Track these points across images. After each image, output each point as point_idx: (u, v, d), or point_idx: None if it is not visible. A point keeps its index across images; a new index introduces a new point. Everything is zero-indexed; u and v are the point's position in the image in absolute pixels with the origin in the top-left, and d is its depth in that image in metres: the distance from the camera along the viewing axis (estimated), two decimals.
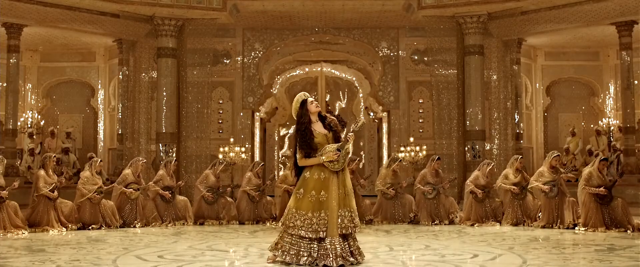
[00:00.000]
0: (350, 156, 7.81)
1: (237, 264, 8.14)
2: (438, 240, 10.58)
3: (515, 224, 13.06)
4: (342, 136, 7.63)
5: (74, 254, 8.78)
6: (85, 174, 13.22)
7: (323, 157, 7.42)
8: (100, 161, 14.05)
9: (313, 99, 7.64)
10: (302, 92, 7.85)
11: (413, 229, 12.47)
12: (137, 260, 8.34)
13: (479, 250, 9.15)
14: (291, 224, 7.46)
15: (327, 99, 23.03)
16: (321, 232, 7.37)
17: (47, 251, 9.25)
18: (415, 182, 14.21)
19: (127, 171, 13.67)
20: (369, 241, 10.29)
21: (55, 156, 13.84)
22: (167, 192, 13.73)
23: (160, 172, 14.05)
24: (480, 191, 13.50)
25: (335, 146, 7.44)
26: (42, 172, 12.59)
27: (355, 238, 7.71)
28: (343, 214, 7.45)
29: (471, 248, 9.39)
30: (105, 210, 12.94)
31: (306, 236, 7.38)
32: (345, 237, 7.50)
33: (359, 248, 7.73)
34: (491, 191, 13.72)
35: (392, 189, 13.95)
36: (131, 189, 13.41)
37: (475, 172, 13.92)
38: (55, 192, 12.58)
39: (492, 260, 8.24)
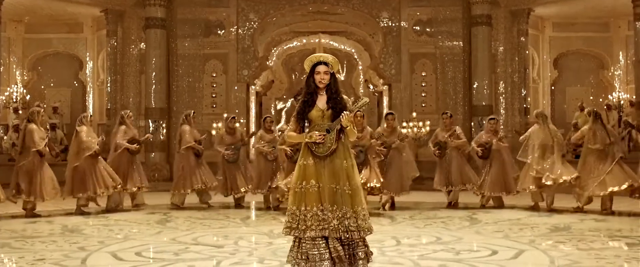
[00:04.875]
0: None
1: (224, 264, 7.10)
2: (449, 230, 9.58)
3: None
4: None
5: (40, 251, 7.78)
6: (83, 128, 11.99)
7: (307, 135, 6.12)
8: (91, 115, 13.29)
9: (325, 70, 6.13)
10: (320, 55, 6.42)
11: (419, 215, 11.42)
12: (110, 259, 7.37)
13: (496, 244, 8.15)
14: (302, 227, 5.99)
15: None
16: (319, 230, 5.96)
17: (13, 245, 8.28)
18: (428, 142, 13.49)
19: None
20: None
21: (43, 110, 12.85)
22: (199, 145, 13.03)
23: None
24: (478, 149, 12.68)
25: (325, 125, 6.11)
26: (33, 125, 11.47)
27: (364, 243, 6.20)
28: (339, 215, 5.96)
29: (487, 241, 8.39)
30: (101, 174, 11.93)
31: (317, 235, 5.99)
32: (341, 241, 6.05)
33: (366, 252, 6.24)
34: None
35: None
36: (135, 145, 12.65)
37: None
38: (47, 148, 11.61)
39: (514, 259, 7.27)
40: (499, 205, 12.54)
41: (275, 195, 12.36)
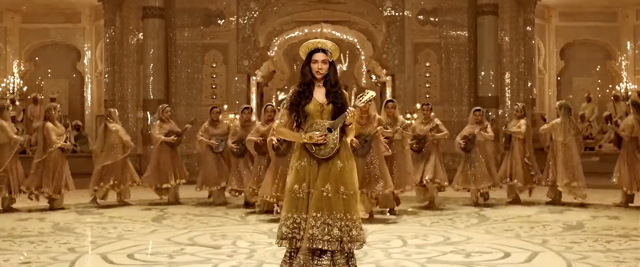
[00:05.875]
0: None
1: None
2: (457, 228, 9.16)
3: None
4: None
5: (27, 253, 7.38)
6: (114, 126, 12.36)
7: (305, 136, 5.39)
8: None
9: (323, 59, 5.47)
10: (318, 41, 5.64)
11: (424, 212, 11.02)
12: (100, 263, 6.92)
13: (508, 245, 7.73)
14: (298, 237, 5.38)
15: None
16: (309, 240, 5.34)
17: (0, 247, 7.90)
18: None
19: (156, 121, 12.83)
20: (377, 229, 8.91)
21: (59, 105, 12.99)
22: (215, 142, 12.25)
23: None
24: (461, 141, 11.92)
25: (326, 123, 5.41)
26: (50, 124, 11.60)
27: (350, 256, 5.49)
28: (325, 222, 5.29)
29: (498, 242, 7.97)
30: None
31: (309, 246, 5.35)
32: (321, 253, 5.35)
33: None
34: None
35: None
36: (172, 137, 12.51)
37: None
38: (68, 143, 12.18)
39: (528, 262, 6.84)
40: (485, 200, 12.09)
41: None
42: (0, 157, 11.41)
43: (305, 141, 5.39)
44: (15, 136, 11.56)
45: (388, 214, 10.47)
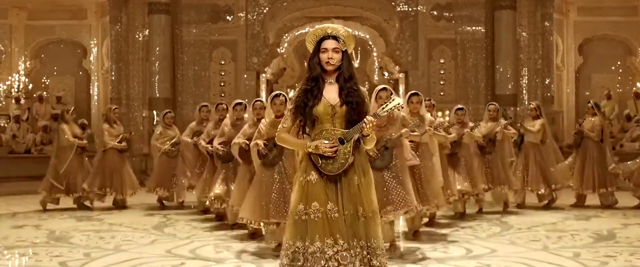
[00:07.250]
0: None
1: None
2: (479, 238, 8.50)
3: None
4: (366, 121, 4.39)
5: None
6: (159, 128, 12.44)
7: (310, 144, 4.45)
8: (170, 111, 12.84)
9: (334, 47, 4.49)
10: (328, 26, 4.66)
11: (443, 219, 10.33)
12: None
13: (536, 259, 7.07)
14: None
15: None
16: None
17: None
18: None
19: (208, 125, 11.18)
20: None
21: (116, 108, 13.10)
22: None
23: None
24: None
25: (338, 132, 4.45)
26: (106, 125, 12.03)
27: None
28: (353, 251, 4.37)
29: (525, 256, 7.28)
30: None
31: None
32: None
33: None
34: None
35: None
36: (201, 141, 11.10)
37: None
38: (124, 143, 12.14)
39: None
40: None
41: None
42: (63, 158, 11.76)
43: (310, 150, 4.46)
44: (72, 139, 11.80)
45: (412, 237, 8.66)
